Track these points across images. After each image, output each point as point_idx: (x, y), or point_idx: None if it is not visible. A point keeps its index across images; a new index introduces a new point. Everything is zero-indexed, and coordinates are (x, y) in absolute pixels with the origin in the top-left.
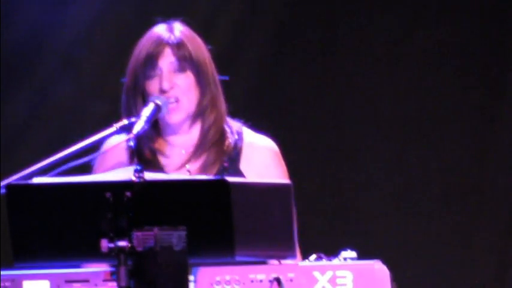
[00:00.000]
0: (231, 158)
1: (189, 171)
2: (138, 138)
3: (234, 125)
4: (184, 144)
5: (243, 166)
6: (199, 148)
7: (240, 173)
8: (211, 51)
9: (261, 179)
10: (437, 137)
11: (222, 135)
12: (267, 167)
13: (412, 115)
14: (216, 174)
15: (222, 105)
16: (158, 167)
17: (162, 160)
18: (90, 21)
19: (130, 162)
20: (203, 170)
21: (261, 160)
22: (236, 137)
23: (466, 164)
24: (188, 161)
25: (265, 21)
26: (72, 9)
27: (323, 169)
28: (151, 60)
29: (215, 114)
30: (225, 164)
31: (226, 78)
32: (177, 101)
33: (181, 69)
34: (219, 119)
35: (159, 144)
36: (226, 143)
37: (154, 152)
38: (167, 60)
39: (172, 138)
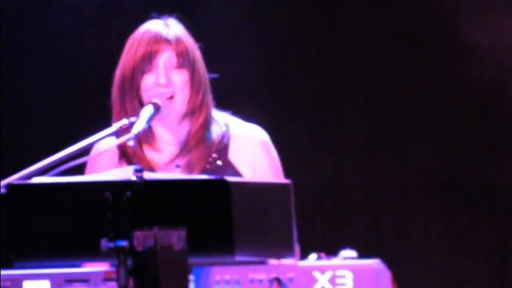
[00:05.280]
0: (219, 150)
1: (178, 165)
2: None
3: (220, 117)
4: (173, 141)
5: (232, 157)
6: (188, 145)
7: (229, 164)
8: (202, 49)
9: (260, 180)
10: (438, 136)
11: (209, 129)
12: (256, 156)
13: (412, 114)
14: (204, 167)
15: (211, 103)
16: (147, 163)
17: (151, 156)
18: (90, 18)
19: (120, 159)
20: (191, 164)
21: (249, 150)
22: (224, 128)
23: (466, 163)
24: (177, 157)
25: (265, 20)
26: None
27: (323, 169)
28: (149, 56)
29: (205, 114)
30: (214, 156)
31: (216, 76)
32: (171, 97)
33: (178, 65)
34: (208, 118)
35: (147, 139)
36: (214, 135)
37: (143, 148)
38: (165, 56)
39: (161, 134)
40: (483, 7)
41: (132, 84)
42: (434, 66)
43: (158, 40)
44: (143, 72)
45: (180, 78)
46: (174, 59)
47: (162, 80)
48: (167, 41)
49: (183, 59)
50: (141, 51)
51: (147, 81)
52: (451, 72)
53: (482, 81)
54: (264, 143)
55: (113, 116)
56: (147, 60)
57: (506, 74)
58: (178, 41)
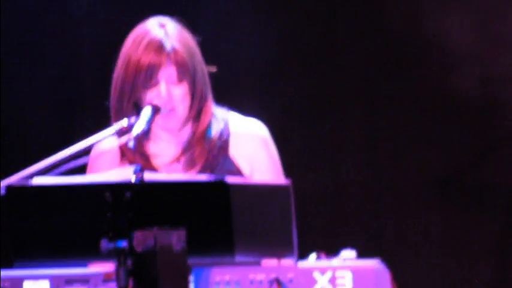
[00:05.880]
0: (219, 146)
1: (179, 162)
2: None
3: (220, 113)
4: (175, 142)
5: (232, 152)
6: (189, 144)
7: (229, 160)
8: (202, 44)
9: (259, 176)
10: (438, 136)
11: (209, 127)
12: (255, 153)
13: (413, 114)
14: (205, 164)
15: (212, 104)
16: (148, 164)
17: (152, 156)
18: (90, 18)
19: (121, 161)
20: (192, 161)
21: (249, 146)
22: (222, 125)
23: (466, 163)
24: (179, 157)
25: (265, 18)
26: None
27: (323, 169)
28: (151, 71)
29: (208, 118)
30: (214, 152)
31: (214, 68)
32: (172, 110)
33: (178, 80)
34: (209, 119)
35: (149, 140)
36: (214, 132)
37: (144, 149)
38: (166, 72)
39: (163, 136)
40: (483, 7)
41: (131, 95)
42: (434, 66)
43: (159, 53)
44: (145, 87)
45: (180, 92)
46: (174, 75)
47: (164, 95)
48: (168, 53)
49: (183, 73)
50: (142, 63)
51: (149, 96)
52: (451, 72)
53: (482, 81)
54: (264, 139)
55: (111, 117)
56: (148, 76)
57: (506, 74)
58: (177, 52)
